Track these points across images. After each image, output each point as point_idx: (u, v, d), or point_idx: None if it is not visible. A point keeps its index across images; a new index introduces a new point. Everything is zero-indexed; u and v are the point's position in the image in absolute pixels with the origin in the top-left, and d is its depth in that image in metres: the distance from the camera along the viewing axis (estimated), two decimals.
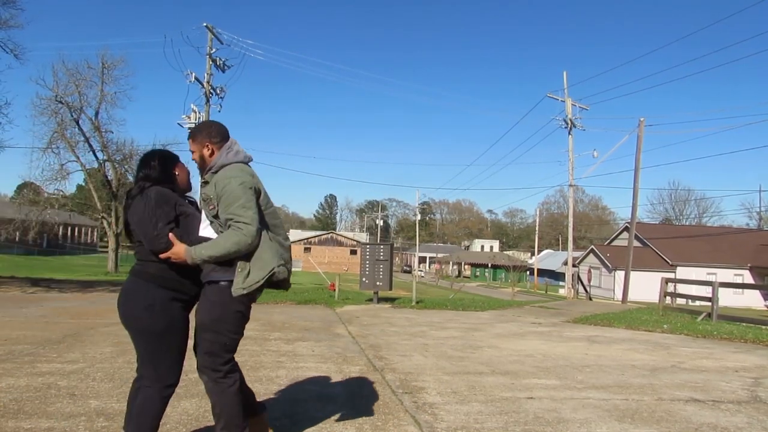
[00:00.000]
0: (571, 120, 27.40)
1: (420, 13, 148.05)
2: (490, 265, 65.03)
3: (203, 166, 2.80)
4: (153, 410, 2.64)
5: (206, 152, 2.77)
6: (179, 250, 2.60)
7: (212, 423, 3.47)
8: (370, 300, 14.37)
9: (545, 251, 70.83)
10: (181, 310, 2.72)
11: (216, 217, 2.67)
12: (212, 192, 2.66)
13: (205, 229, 2.77)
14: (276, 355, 5.98)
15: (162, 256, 2.63)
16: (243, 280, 2.63)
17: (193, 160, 2.86)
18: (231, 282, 2.65)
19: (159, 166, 2.76)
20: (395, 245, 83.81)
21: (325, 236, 73.70)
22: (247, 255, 2.64)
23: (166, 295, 2.63)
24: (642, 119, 25.22)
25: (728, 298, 22.67)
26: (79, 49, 79.37)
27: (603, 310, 16.00)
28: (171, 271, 2.64)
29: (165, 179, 2.76)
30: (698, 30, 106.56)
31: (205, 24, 22.22)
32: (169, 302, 2.64)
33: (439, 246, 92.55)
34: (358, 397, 4.34)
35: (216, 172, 2.71)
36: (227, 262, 2.62)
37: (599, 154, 27.89)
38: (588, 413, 4.08)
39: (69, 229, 62.22)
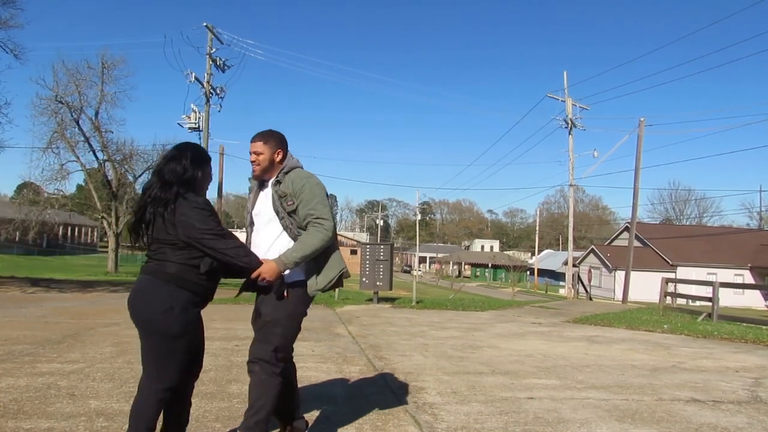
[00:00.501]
0: (571, 120, 27.41)
1: (420, 13, 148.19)
2: (490, 265, 65.00)
3: (266, 168, 2.97)
4: (149, 411, 2.58)
5: (277, 157, 2.98)
6: (270, 265, 2.70)
7: (212, 423, 3.48)
8: (370, 300, 14.37)
9: (545, 251, 70.79)
10: (197, 313, 2.65)
11: (292, 213, 2.86)
12: (289, 189, 2.88)
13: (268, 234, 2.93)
14: None
15: (252, 276, 2.68)
16: (315, 281, 2.86)
17: (253, 161, 2.96)
18: (300, 282, 2.85)
19: (191, 168, 2.64)
20: (395, 245, 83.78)
21: None
22: (317, 257, 2.84)
23: (185, 297, 2.55)
24: (642, 119, 25.23)
25: (728, 298, 22.64)
26: (79, 49, 79.49)
27: (603, 310, 16.00)
28: (191, 272, 2.56)
29: (193, 184, 2.65)
30: (698, 30, 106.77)
31: (205, 24, 22.26)
32: (188, 305, 2.56)
33: (439, 246, 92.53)
34: (358, 397, 4.34)
35: (287, 172, 2.95)
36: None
37: (599, 154, 27.94)
38: (588, 413, 4.08)
39: (69, 229, 62.24)
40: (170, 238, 2.55)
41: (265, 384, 2.75)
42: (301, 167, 3.04)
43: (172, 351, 2.56)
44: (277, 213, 2.88)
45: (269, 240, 2.91)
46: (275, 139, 2.99)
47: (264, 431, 2.76)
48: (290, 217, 2.87)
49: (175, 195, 2.57)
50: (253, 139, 2.98)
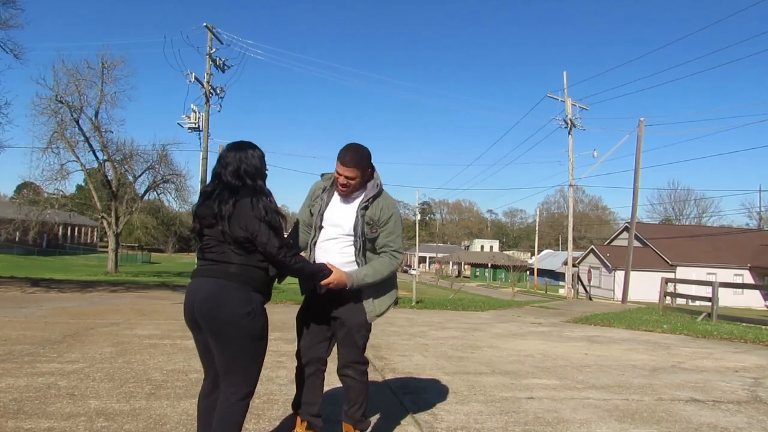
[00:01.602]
0: (571, 120, 27.43)
1: (420, 13, 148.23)
2: (490, 265, 64.94)
3: (356, 189, 2.92)
4: (240, 419, 2.53)
5: (366, 177, 2.92)
6: (342, 278, 2.79)
7: None
8: None
9: (545, 251, 70.78)
10: (266, 313, 2.60)
11: (372, 239, 2.93)
12: (376, 216, 2.91)
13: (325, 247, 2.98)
14: (276, 355, 5.97)
15: (324, 282, 2.75)
16: (374, 307, 2.99)
17: (343, 183, 2.86)
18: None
19: (263, 167, 2.63)
20: None
21: None
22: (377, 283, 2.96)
23: (259, 299, 2.52)
24: (642, 119, 25.27)
25: (728, 298, 22.65)
26: (79, 49, 79.40)
27: (603, 310, 16.01)
28: (260, 274, 2.52)
29: (263, 185, 2.63)
30: (698, 30, 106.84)
31: (205, 24, 22.27)
32: (261, 306, 2.54)
33: (439, 246, 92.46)
34: None
35: (376, 197, 2.93)
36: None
37: (599, 154, 28.00)
38: (588, 413, 4.08)
39: (69, 229, 62.26)
40: (241, 240, 2.44)
41: (361, 383, 3.03)
42: (383, 189, 3.02)
43: (258, 353, 2.52)
44: (355, 232, 2.91)
45: (341, 251, 2.94)
46: (366, 159, 2.88)
47: (367, 418, 3.12)
48: (368, 241, 2.94)
49: (251, 193, 2.49)
50: (345, 162, 2.82)
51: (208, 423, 2.56)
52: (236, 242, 2.46)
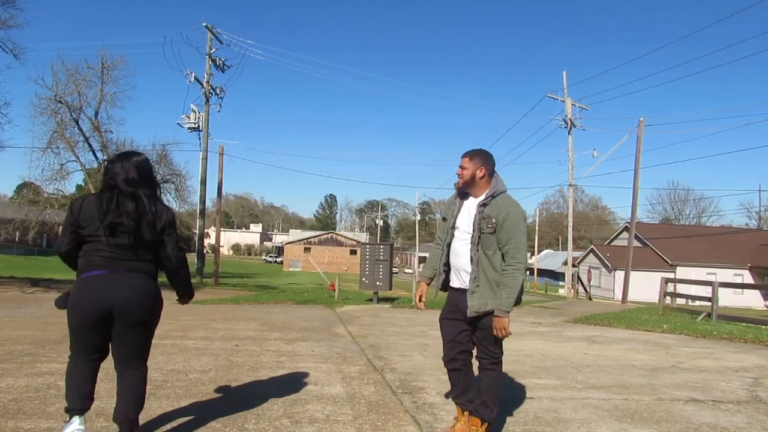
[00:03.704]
0: (570, 120, 27.45)
1: (420, 13, 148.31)
2: None
3: (468, 182, 3.27)
4: (145, 388, 2.99)
5: (479, 173, 3.24)
6: (504, 322, 3.17)
7: (212, 423, 3.49)
8: (370, 300, 14.38)
9: (545, 251, 70.79)
10: None
11: (490, 234, 3.14)
12: (493, 213, 3.15)
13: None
14: (276, 355, 5.97)
15: (501, 334, 3.20)
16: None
17: (458, 174, 3.29)
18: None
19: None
20: (395, 245, 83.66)
21: (325, 236, 73.70)
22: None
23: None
24: (642, 119, 25.25)
25: (728, 298, 22.65)
26: (79, 49, 79.17)
27: (603, 310, 16.01)
28: (155, 268, 3.02)
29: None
30: (698, 30, 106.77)
31: (204, 24, 22.27)
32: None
33: None
34: (357, 397, 4.34)
35: (495, 196, 3.21)
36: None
37: (599, 154, 28.00)
38: (588, 413, 4.08)
39: None
40: (152, 239, 2.90)
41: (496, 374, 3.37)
42: (506, 191, 3.29)
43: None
44: (474, 230, 3.19)
45: (467, 251, 3.22)
46: (480, 158, 3.25)
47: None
48: (485, 235, 3.15)
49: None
50: (463, 155, 3.29)
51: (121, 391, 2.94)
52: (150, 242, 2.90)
